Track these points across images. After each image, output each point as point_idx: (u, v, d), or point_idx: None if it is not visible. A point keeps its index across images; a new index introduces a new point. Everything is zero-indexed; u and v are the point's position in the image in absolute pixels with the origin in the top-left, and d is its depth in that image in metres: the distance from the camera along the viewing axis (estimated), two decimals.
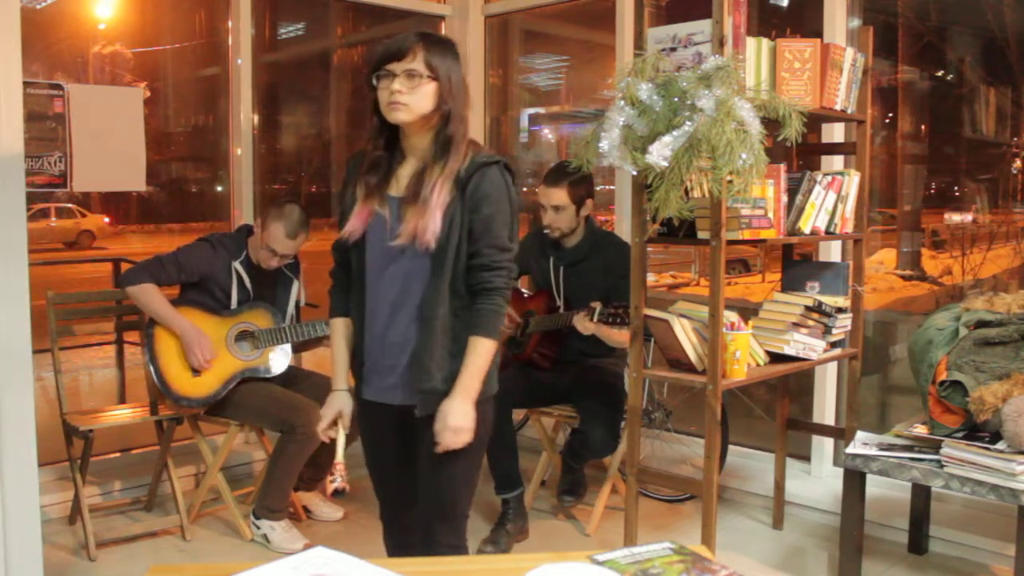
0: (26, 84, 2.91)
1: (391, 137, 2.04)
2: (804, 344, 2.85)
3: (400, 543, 2.22)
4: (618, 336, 3.21)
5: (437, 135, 1.98)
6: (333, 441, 2.12)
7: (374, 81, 1.97)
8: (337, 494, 2.03)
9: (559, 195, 3.34)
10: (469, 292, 2.00)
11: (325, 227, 4.83)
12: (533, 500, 3.70)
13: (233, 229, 3.72)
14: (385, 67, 1.94)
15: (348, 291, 2.12)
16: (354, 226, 2.03)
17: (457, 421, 1.96)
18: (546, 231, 3.45)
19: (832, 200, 2.91)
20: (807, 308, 2.88)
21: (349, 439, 2.13)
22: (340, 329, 2.14)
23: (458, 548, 2.10)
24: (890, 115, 4.24)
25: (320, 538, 3.32)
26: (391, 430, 2.12)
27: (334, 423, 2.14)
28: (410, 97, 1.92)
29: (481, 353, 1.99)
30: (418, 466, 2.10)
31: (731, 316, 2.63)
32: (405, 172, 2.03)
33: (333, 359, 2.14)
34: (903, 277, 4.45)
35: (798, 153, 3.27)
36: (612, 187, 4.41)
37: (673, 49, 2.53)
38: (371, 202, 2.02)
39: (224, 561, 3.17)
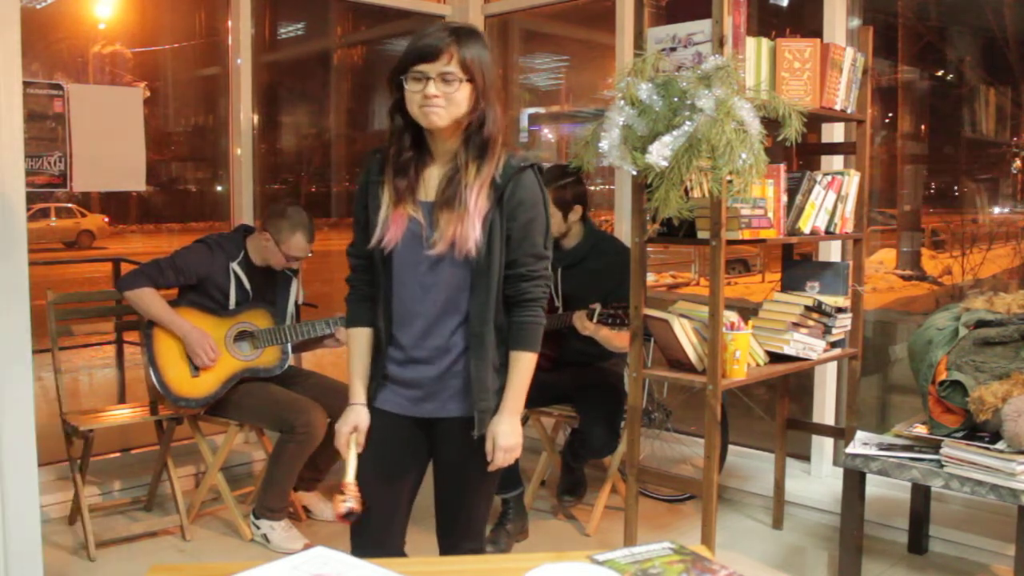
0: (26, 84, 2.90)
1: (415, 137, 1.91)
2: (804, 344, 2.85)
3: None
4: (617, 341, 3.21)
5: (470, 137, 1.87)
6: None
7: (402, 81, 1.83)
8: (349, 516, 1.86)
9: None
10: (506, 302, 1.93)
11: (325, 227, 4.84)
12: (533, 500, 3.69)
13: (232, 229, 3.72)
14: (416, 68, 1.80)
15: (370, 299, 2.00)
16: (393, 235, 1.89)
17: (509, 441, 1.92)
18: None
19: (832, 200, 2.91)
20: (807, 308, 2.88)
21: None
22: (360, 340, 2.01)
23: (478, 551, 2.09)
24: (890, 115, 4.25)
25: (320, 538, 3.32)
26: (401, 442, 2.02)
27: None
28: (446, 101, 1.80)
29: (526, 369, 1.94)
30: (438, 477, 2.06)
31: (731, 316, 2.63)
32: (433, 175, 1.91)
33: (351, 371, 2.01)
34: (903, 277, 4.45)
35: (798, 153, 3.27)
36: (612, 187, 4.41)
37: (673, 49, 2.53)
38: (405, 207, 1.89)
39: (224, 561, 3.17)
